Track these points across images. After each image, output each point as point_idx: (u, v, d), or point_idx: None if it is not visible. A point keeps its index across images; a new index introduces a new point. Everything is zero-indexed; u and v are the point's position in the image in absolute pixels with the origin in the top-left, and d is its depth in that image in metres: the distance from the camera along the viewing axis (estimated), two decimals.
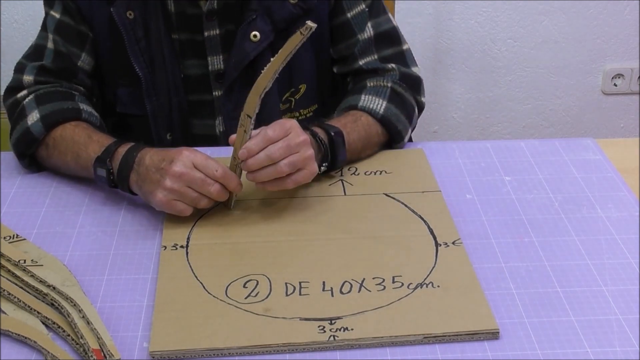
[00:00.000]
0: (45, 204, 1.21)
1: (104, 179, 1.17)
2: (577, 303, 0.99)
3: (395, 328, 0.94)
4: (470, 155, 1.32)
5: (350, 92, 1.36)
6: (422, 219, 1.14)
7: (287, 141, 1.10)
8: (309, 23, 1.01)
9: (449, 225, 1.13)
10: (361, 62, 1.38)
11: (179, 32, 1.35)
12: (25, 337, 0.94)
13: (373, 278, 1.03)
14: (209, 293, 1.00)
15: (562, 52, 2.47)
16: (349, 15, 1.37)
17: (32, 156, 1.28)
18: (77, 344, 0.93)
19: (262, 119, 1.14)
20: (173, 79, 1.36)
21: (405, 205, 1.18)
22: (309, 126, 1.22)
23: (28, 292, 1.01)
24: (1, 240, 1.09)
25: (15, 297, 0.99)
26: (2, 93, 1.37)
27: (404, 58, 1.39)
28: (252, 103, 1.08)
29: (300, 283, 1.02)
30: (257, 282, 1.02)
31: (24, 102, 1.29)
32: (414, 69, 1.39)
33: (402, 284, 1.01)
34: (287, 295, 1.00)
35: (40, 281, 1.01)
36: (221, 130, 1.40)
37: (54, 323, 0.96)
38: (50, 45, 1.34)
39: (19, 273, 1.03)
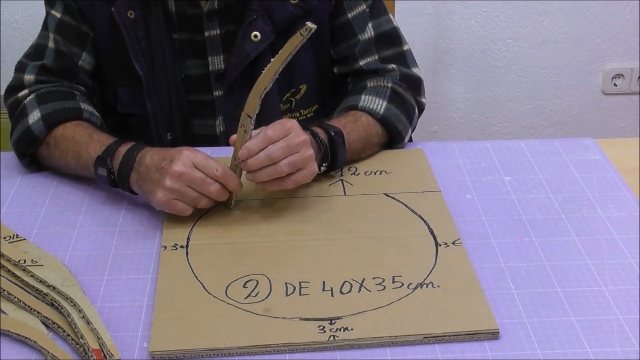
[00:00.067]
0: (45, 204, 1.21)
1: (104, 178, 1.17)
2: (577, 303, 0.99)
3: (395, 328, 0.94)
4: (470, 155, 1.32)
5: (351, 93, 1.36)
6: (422, 219, 1.14)
7: (287, 141, 1.10)
8: (309, 24, 1.01)
9: (449, 225, 1.13)
10: (361, 63, 1.38)
11: (179, 32, 1.35)
12: (25, 337, 0.94)
13: (373, 278, 1.03)
14: (209, 293, 1.00)
15: (562, 52, 2.47)
16: (349, 15, 1.37)
17: (33, 155, 1.28)
18: (77, 344, 0.93)
19: (263, 119, 1.14)
20: (173, 79, 1.36)
21: (405, 205, 1.18)
22: (309, 126, 1.22)
23: (28, 292, 1.01)
24: (1, 240, 1.09)
25: (15, 297, 0.99)
26: (2, 93, 1.38)
27: (405, 59, 1.39)
28: (253, 103, 1.08)
29: (300, 283, 1.02)
30: (257, 282, 1.02)
31: (25, 101, 1.30)
32: (415, 70, 1.39)
33: (402, 284, 1.01)
34: (287, 295, 1.00)
35: (40, 281, 1.01)
36: (221, 130, 1.40)
37: (54, 323, 0.96)
38: (51, 44, 1.34)
39: (19, 273, 1.03)
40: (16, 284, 1.02)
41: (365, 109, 1.30)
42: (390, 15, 1.41)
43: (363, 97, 1.31)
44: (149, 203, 1.14)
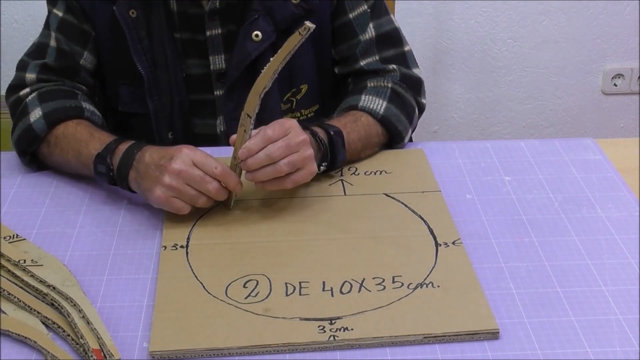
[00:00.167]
0: (45, 204, 1.21)
1: (103, 176, 1.17)
2: (577, 303, 1.00)
3: (395, 328, 0.94)
4: (470, 155, 1.32)
5: (351, 93, 1.36)
6: (422, 219, 1.14)
7: (286, 141, 1.10)
8: (308, 24, 1.01)
9: (449, 225, 1.13)
10: (362, 63, 1.38)
11: (181, 31, 1.35)
12: (25, 337, 0.94)
13: (373, 278, 1.03)
14: (209, 293, 1.00)
15: (562, 52, 2.47)
16: (350, 15, 1.37)
17: (33, 154, 1.28)
18: (77, 344, 0.93)
19: (264, 119, 1.14)
20: (175, 78, 1.36)
21: (405, 205, 1.18)
22: (308, 126, 1.22)
23: (28, 292, 1.01)
24: (1, 240, 1.09)
25: (15, 297, 0.99)
26: (2, 93, 1.37)
27: (405, 59, 1.39)
28: (252, 103, 1.08)
29: (300, 283, 1.02)
30: (257, 282, 1.02)
31: (27, 99, 1.30)
32: (415, 70, 1.39)
33: (402, 284, 1.01)
34: (287, 295, 1.00)
35: (40, 281, 1.01)
36: (222, 129, 1.40)
37: (54, 323, 0.96)
38: (52, 43, 1.34)
39: (19, 273, 1.03)
40: (16, 284, 1.02)
41: (365, 109, 1.30)
42: (392, 16, 1.41)
43: (363, 97, 1.31)
44: (147, 201, 1.14)
